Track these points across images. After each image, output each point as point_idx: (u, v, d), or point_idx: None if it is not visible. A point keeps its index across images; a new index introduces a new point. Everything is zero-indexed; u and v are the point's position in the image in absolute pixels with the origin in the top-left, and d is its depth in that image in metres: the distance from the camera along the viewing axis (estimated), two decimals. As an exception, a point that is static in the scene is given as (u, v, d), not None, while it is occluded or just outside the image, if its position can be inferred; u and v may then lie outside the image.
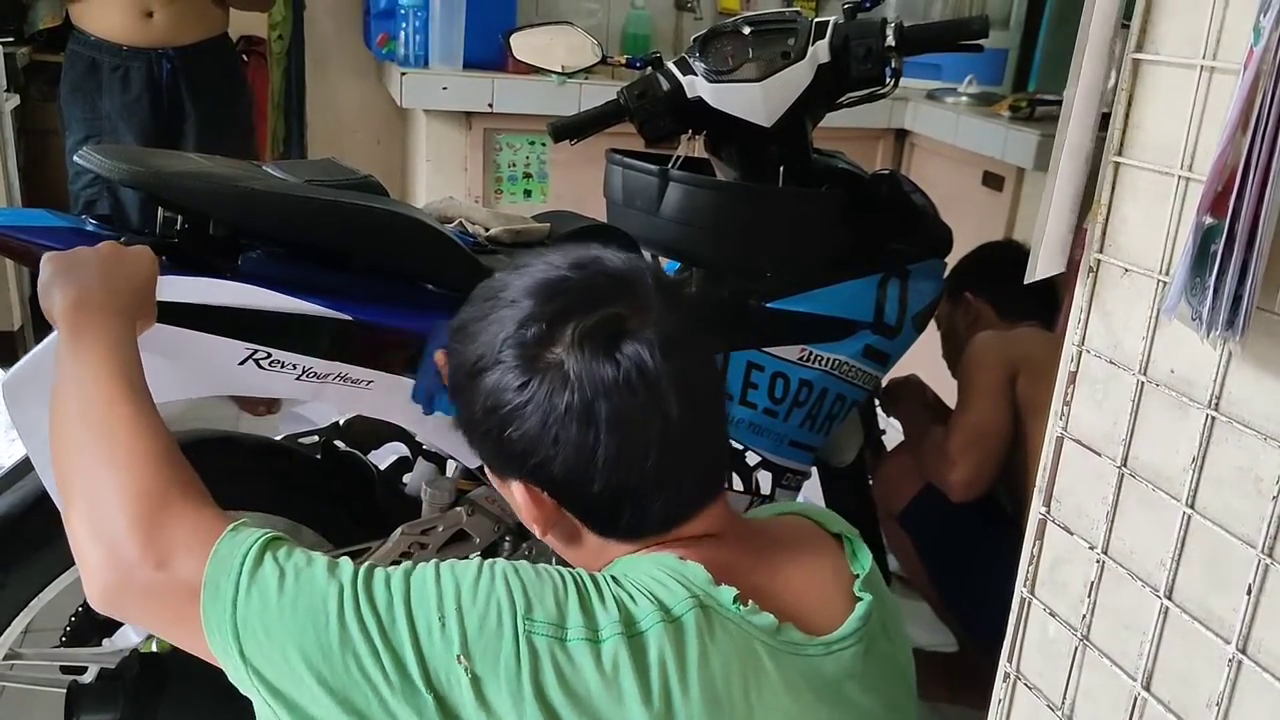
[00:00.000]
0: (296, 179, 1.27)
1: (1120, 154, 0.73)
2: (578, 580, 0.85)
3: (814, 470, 1.84)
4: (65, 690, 1.33)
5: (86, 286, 0.99)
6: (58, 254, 1.04)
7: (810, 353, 1.62)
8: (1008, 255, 2.07)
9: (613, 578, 0.86)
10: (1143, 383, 0.72)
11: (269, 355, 1.21)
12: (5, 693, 1.39)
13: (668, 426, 0.84)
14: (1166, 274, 0.70)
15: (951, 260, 1.81)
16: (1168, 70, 0.69)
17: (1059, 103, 0.75)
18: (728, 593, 0.86)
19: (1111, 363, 0.74)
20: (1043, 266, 0.77)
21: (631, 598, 0.84)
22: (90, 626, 1.40)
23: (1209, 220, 0.62)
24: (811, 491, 2.13)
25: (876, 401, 2.04)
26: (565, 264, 0.88)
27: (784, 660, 0.87)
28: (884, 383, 1.96)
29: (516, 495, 0.90)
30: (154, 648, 1.32)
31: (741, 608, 0.85)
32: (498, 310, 0.87)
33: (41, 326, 1.10)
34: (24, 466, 1.21)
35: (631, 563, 0.90)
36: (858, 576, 0.97)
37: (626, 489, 0.86)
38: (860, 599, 0.95)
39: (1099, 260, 0.75)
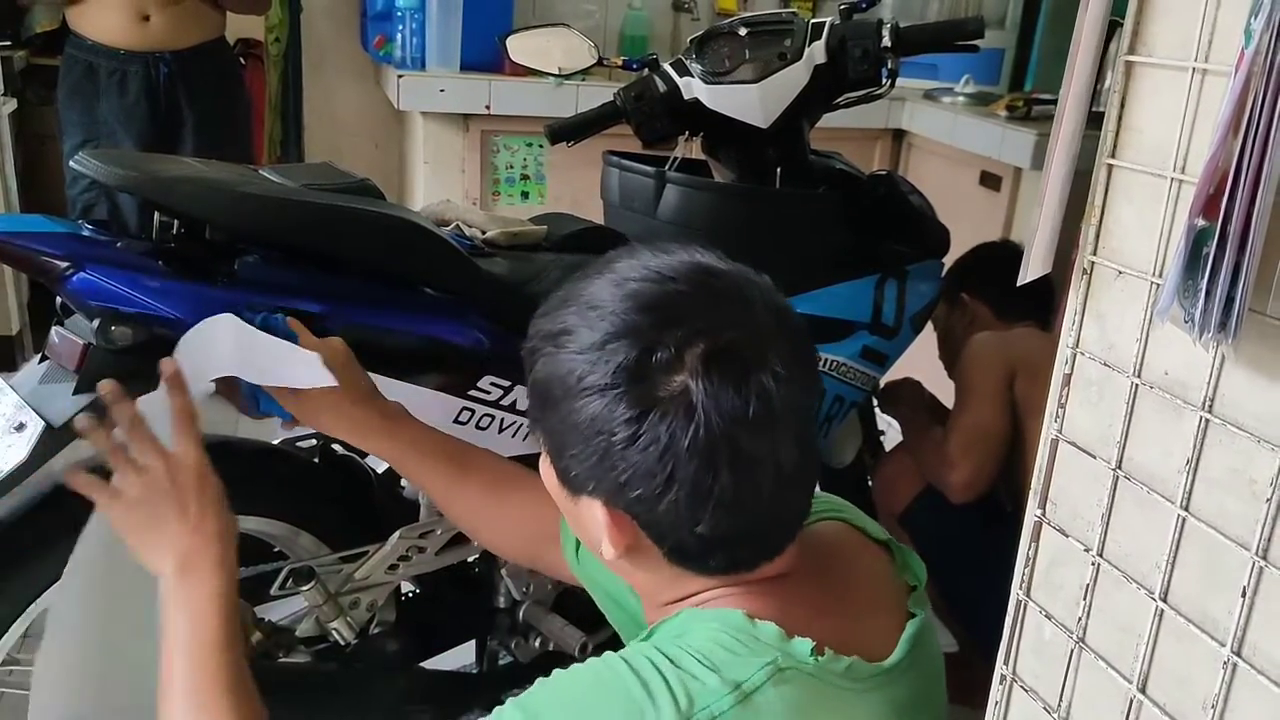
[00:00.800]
0: (293, 183, 1.27)
1: (1113, 156, 0.73)
2: (635, 682, 0.78)
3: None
4: (64, 695, 1.33)
5: (168, 565, 0.99)
6: (120, 501, 1.02)
7: (808, 354, 1.62)
8: (1004, 256, 2.07)
9: (668, 657, 0.79)
10: (1137, 385, 0.72)
11: None
12: (4, 698, 1.39)
13: (780, 468, 0.79)
14: (1160, 276, 0.70)
15: (949, 261, 1.81)
16: (1160, 72, 0.69)
17: (1055, 102, 0.75)
18: (803, 645, 0.81)
19: (1105, 365, 0.75)
20: (1033, 267, 0.77)
21: (695, 676, 0.78)
22: (89, 631, 1.40)
23: (1201, 223, 0.62)
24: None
25: (875, 402, 2.04)
26: (672, 273, 0.80)
27: (868, 698, 0.84)
28: (882, 384, 1.96)
29: (594, 513, 0.83)
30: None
31: (819, 658, 0.81)
32: (597, 325, 0.78)
33: (40, 330, 1.11)
34: (21, 472, 1.21)
35: (697, 619, 0.84)
36: (914, 589, 0.94)
37: (732, 531, 0.80)
38: (914, 615, 0.92)
39: (1093, 262, 0.75)
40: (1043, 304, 1.97)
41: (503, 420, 1.37)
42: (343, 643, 1.42)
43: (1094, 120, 0.74)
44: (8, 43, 3.09)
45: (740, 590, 0.86)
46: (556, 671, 0.83)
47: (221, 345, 1.13)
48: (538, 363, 0.83)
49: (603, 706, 0.78)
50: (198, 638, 0.96)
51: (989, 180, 2.75)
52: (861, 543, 0.98)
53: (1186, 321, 0.64)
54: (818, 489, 0.98)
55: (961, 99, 2.87)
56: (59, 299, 1.22)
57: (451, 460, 1.17)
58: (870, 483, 2.08)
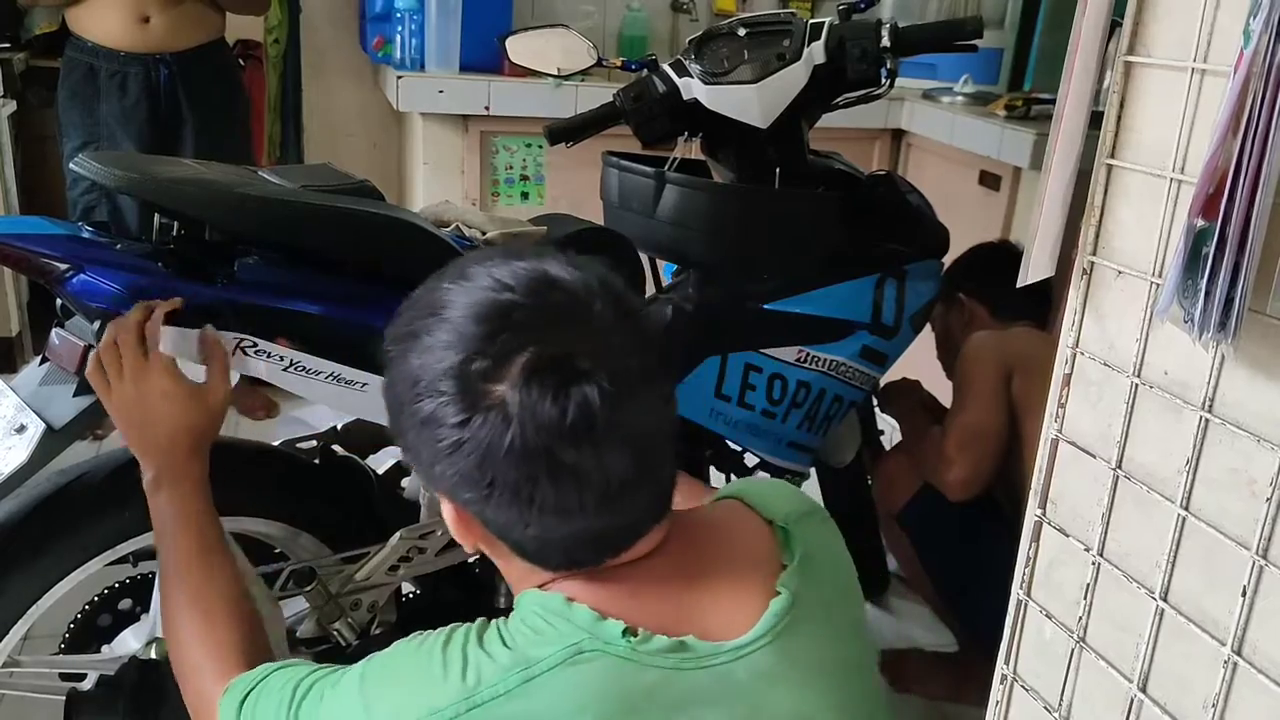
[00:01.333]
0: (292, 184, 1.27)
1: (1113, 156, 0.73)
2: (439, 659, 0.84)
3: (812, 471, 1.84)
4: (64, 698, 1.33)
5: (144, 463, 1.13)
6: (123, 401, 1.13)
7: (808, 354, 1.62)
8: (1001, 256, 2.07)
9: (480, 636, 0.85)
10: (1136, 385, 0.72)
11: (255, 344, 1.21)
12: (4, 700, 1.39)
13: (609, 481, 0.80)
14: (1159, 276, 0.70)
15: (948, 260, 1.82)
16: (1159, 73, 0.69)
17: (1054, 101, 0.75)
18: (615, 627, 0.83)
19: (1105, 364, 0.75)
20: (1034, 270, 0.77)
21: (491, 656, 0.83)
22: (89, 633, 1.40)
23: (1200, 223, 0.63)
24: (810, 490, 2.13)
25: (875, 402, 2.04)
26: (514, 282, 0.81)
27: (687, 678, 0.83)
28: (881, 383, 1.96)
29: (445, 510, 0.88)
30: (153, 655, 1.32)
31: (631, 639, 0.82)
32: (437, 331, 0.81)
33: (40, 331, 1.13)
34: (22, 473, 1.21)
35: (523, 601, 0.88)
36: (785, 568, 0.92)
37: (563, 536, 0.83)
38: (779, 593, 0.89)
39: (1092, 262, 0.75)
40: (1040, 303, 1.97)
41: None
42: (344, 644, 1.42)
43: (1093, 120, 0.74)
44: (7, 44, 3.08)
45: (583, 578, 0.88)
46: (411, 636, 0.90)
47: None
48: (388, 365, 0.86)
49: (407, 677, 0.85)
50: (174, 540, 1.11)
51: (988, 180, 2.75)
52: (747, 523, 0.97)
53: (1186, 321, 0.64)
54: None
55: (960, 99, 2.87)
56: (59, 301, 1.22)
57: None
58: (869, 482, 2.09)
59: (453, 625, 0.88)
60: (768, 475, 1.69)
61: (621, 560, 0.87)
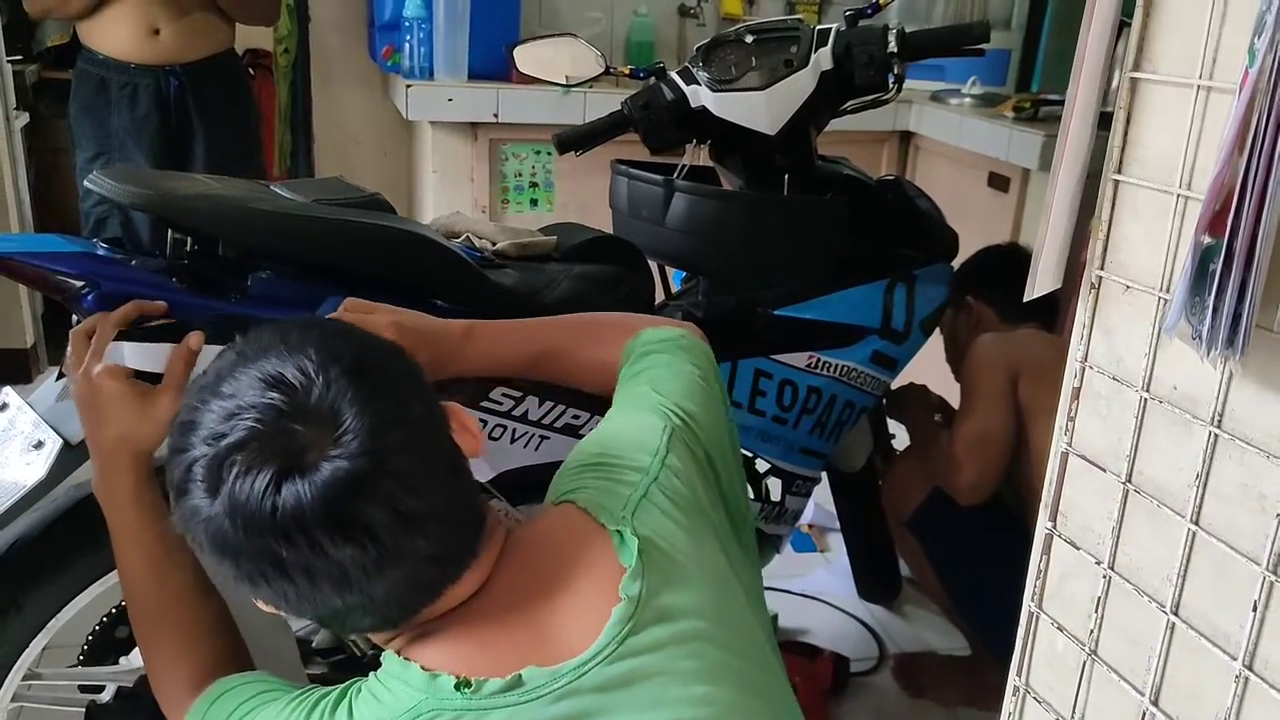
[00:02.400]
0: (304, 198, 1.28)
1: (1120, 172, 0.73)
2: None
3: (824, 475, 1.84)
4: (84, 710, 1.34)
5: (93, 462, 1.12)
6: (78, 394, 1.12)
7: (818, 359, 1.63)
8: (1009, 259, 2.07)
9: (335, 706, 0.87)
10: (1146, 399, 0.72)
11: None
12: (24, 713, 1.40)
13: (344, 569, 0.78)
14: (1167, 291, 0.70)
15: (957, 263, 1.82)
16: (1165, 89, 0.69)
17: (1062, 102, 0.75)
18: (446, 683, 0.83)
19: (1114, 379, 0.75)
20: (1041, 281, 0.77)
21: None
22: (108, 645, 1.41)
23: (1207, 239, 0.63)
24: (821, 496, 2.14)
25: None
26: (243, 387, 0.81)
27: (531, 711, 0.82)
28: (892, 388, 1.96)
29: None
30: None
31: (465, 691, 0.82)
32: (185, 435, 0.82)
33: (55, 344, 1.15)
34: (40, 489, 1.22)
35: (382, 659, 0.89)
36: (627, 569, 0.88)
37: (346, 610, 0.83)
38: (622, 599, 0.86)
39: (1100, 277, 0.75)
40: (1048, 305, 1.97)
41: (515, 430, 1.37)
42: (359, 654, 1.42)
43: (1102, 120, 0.74)
44: (20, 57, 3.11)
45: (414, 631, 0.88)
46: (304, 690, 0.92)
47: None
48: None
49: None
50: (120, 554, 1.11)
51: (997, 181, 2.75)
52: (581, 529, 0.93)
53: (1194, 337, 0.64)
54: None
55: (968, 100, 2.87)
56: (75, 317, 1.23)
57: (544, 352, 1.22)
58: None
59: (322, 691, 0.89)
60: (779, 481, 1.69)
61: (447, 605, 0.87)
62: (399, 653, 0.88)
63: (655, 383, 1.08)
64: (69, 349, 1.14)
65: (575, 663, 0.83)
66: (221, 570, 0.82)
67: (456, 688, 0.82)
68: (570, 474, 1.01)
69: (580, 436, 1.42)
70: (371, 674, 0.88)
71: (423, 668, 0.84)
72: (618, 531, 0.91)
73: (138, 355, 1.14)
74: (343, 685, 0.89)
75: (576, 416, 1.40)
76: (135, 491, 1.11)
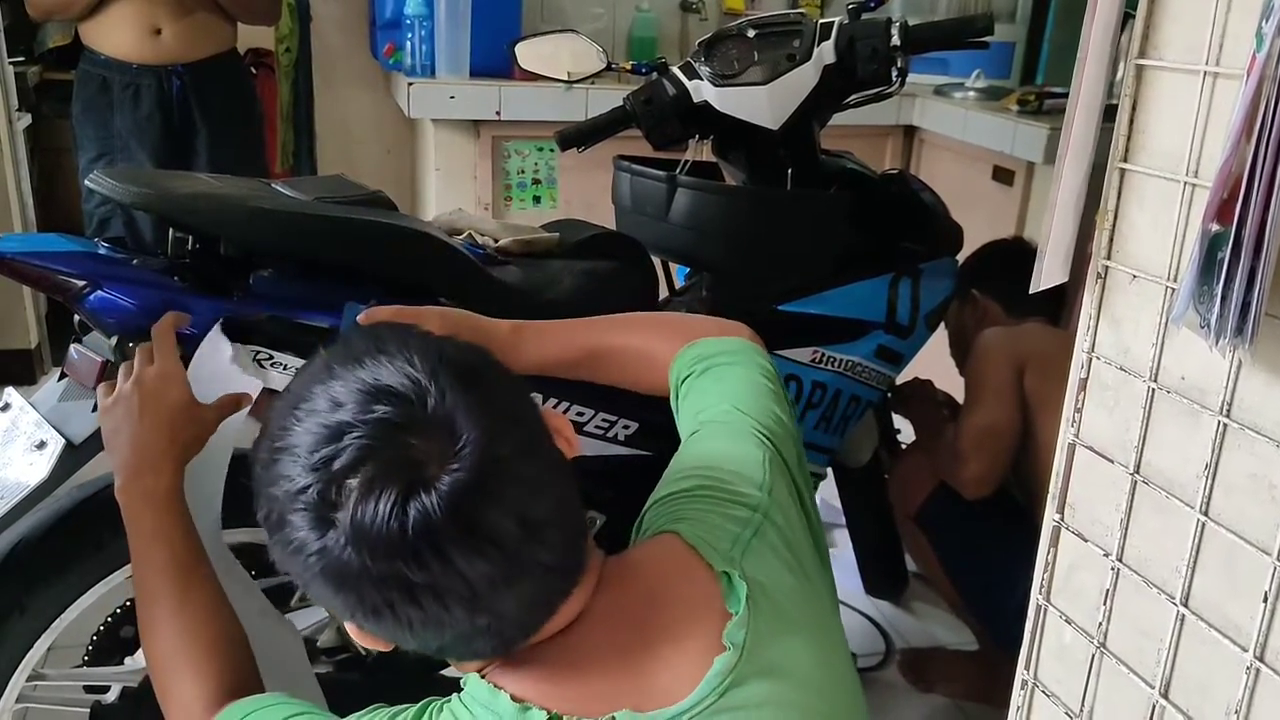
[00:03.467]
0: (306, 196, 1.27)
1: (1126, 160, 0.72)
2: None
3: (829, 471, 1.83)
4: (89, 710, 1.34)
5: (127, 463, 1.09)
6: (104, 409, 1.11)
7: (823, 355, 1.62)
8: (1014, 252, 2.07)
9: None
10: (1153, 389, 0.72)
11: (270, 356, 1.22)
12: (29, 713, 1.40)
13: (473, 587, 0.74)
14: (1175, 280, 0.69)
15: (961, 257, 1.81)
16: (1171, 76, 0.69)
17: (1067, 95, 0.75)
18: (537, 717, 0.79)
19: (1122, 369, 0.74)
20: (1048, 276, 0.77)
21: None
22: (113, 646, 1.41)
23: (1215, 227, 0.62)
24: (827, 491, 2.13)
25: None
26: (345, 400, 0.76)
27: None
28: (898, 382, 1.95)
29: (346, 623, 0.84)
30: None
31: None
32: (281, 462, 0.77)
33: (59, 344, 1.15)
34: (43, 489, 1.22)
35: (465, 682, 0.85)
36: (733, 616, 0.83)
37: (444, 643, 0.79)
38: (727, 648, 0.82)
39: (1107, 267, 0.75)
40: (1053, 299, 1.96)
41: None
42: (364, 653, 1.42)
43: (1108, 112, 0.74)
44: (22, 58, 3.11)
45: (506, 661, 0.84)
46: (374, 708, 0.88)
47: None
48: (257, 488, 0.81)
49: None
50: (148, 555, 1.08)
51: (1001, 175, 2.74)
52: (686, 565, 0.87)
53: (1202, 327, 0.63)
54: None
55: (972, 94, 2.85)
56: (77, 317, 1.23)
57: (591, 351, 1.19)
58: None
59: (392, 710, 0.85)
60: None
61: (543, 636, 0.83)
62: (484, 677, 0.84)
63: (735, 397, 1.03)
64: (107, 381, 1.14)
65: (672, 711, 0.79)
66: (336, 604, 0.77)
67: None
68: (669, 501, 0.95)
69: (610, 440, 1.41)
70: (455, 696, 0.84)
71: (512, 697, 0.80)
72: (725, 573, 0.86)
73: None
74: (420, 704, 0.85)
75: (607, 420, 1.40)
76: (174, 494, 1.09)
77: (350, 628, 0.82)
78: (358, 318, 1.09)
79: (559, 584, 0.81)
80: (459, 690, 0.85)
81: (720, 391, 1.05)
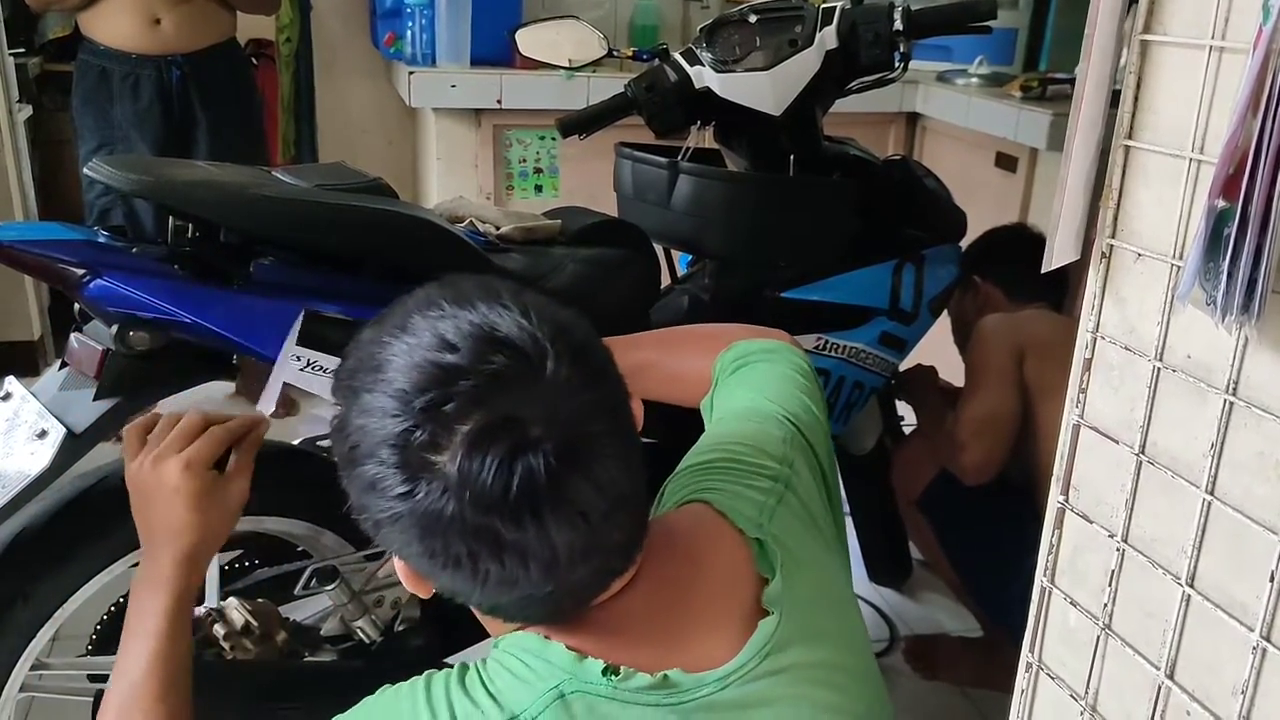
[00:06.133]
0: (306, 184, 1.27)
1: (1130, 137, 0.72)
2: (420, 698, 0.82)
3: (833, 459, 1.83)
4: (93, 699, 1.34)
5: (174, 557, 1.06)
6: (141, 483, 1.07)
7: (826, 341, 1.62)
8: (1017, 239, 2.06)
9: (463, 683, 0.82)
10: (1159, 368, 0.71)
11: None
12: (34, 702, 1.40)
13: (555, 554, 0.74)
14: (1180, 258, 0.69)
15: (964, 243, 1.80)
16: (1176, 51, 0.68)
17: (1071, 81, 0.74)
18: (594, 666, 0.79)
19: (1127, 349, 0.74)
20: (1059, 254, 0.76)
21: (476, 704, 0.79)
22: (116, 634, 1.40)
23: (1221, 204, 0.62)
24: (831, 480, 2.13)
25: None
26: (458, 342, 0.74)
27: (672, 714, 0.80)
28: (901, 368, 1.95)
29: (396, 564, 0.83)
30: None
31: (613, 678, 0.79)
32: (377, 392, 0.75)
33: (62, 335, 1.13)
34: (45, 478, 1.22)
35: (502, 640, 0.85)
36: (767, 581, 0.85)
37: (510, 601, 0.79)
38: (769, 613, 0.84)
39: (1111, 245, 0.74)
40: (1056, 286, 1.96)
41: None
42: (368, 641, 1.42)
43: (1111, 98, 0.73)
44: (22, 50, 3.11)
45: (551, 625, 0.84)
46: (382, 688, 0.86)
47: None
48: (338, 413, 0.80)
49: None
50: (137, 645, 1.06)
51: (1005, 162, 2.73)
52: (719, 532, 0.90)
53: (1208, 304, 0.63)
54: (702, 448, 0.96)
55: (975, 80, 2.84)
56: (77, 306, 1.22)
57: (632, 368, 1.16)
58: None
59: (427, 673, 0.85)
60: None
61: (593, 605, 0.83)
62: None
63: (762, 388, 1.04)
64: (126, 433, 1.10)
65: (720, 673, 0.80)
66: (412, 548, 0.76)
67: (604, 673, 0.79)
68: (690, 472, 0.96)
69: None
70: (490, 656, 0.84)
71: (568, 647, 0.81)
72: (757, 540, 0.88)
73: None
74: (449, 670, 0.84)
75: None
76: (188, 595, 1.06)
77: (401, 566, 0.81)
78: None
79: (621, 562, 0.82)
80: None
81: (750, 383, 1.07)
